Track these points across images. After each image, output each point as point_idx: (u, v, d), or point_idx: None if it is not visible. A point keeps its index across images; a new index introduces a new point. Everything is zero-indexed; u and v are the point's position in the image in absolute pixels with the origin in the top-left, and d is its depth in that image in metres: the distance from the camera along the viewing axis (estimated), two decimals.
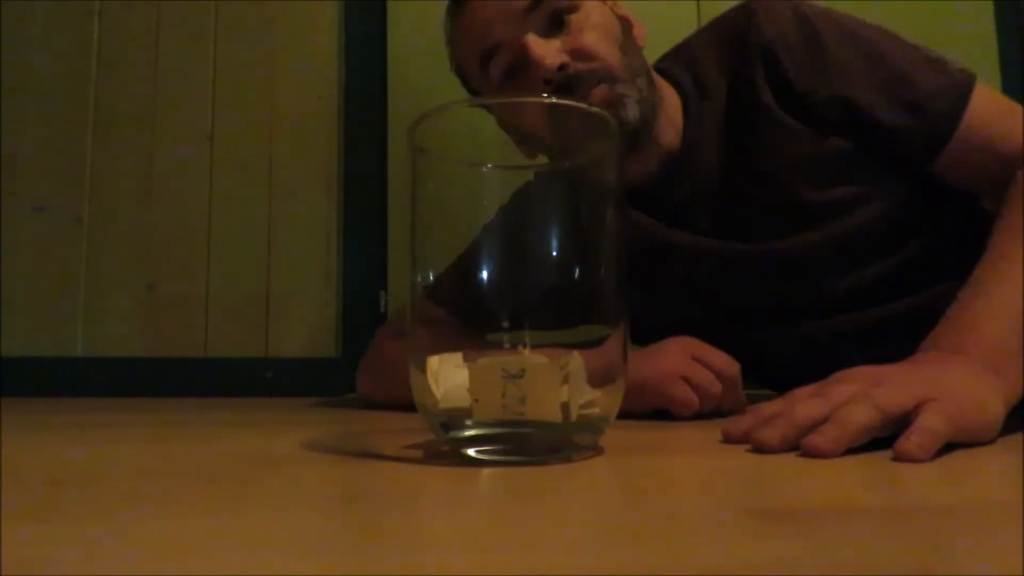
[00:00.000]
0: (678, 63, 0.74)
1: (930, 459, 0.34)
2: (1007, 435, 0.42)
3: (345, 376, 0.93)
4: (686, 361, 0.60)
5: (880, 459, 0.35)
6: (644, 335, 0.60)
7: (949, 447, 0.37)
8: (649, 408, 0.60)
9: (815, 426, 0.38)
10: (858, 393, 0.39)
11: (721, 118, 0.69)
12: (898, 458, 0.35)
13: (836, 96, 0.64)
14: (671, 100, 0.71)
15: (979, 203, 0.69)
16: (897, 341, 0.67)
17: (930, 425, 0.36)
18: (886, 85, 0.63)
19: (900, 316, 0.67)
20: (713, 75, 0.70)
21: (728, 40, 0.70)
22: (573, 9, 0.66)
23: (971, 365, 0.44)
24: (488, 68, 0.68)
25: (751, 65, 0.67)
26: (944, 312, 0.59)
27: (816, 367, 0.72)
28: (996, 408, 0.41)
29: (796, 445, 0.38)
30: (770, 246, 0.67)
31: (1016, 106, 0.63)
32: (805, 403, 0.40)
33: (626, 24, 0.71)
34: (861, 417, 0.37)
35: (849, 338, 0.68)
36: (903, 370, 0.44)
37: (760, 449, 0.38)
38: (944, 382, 0.41)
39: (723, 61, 0.70)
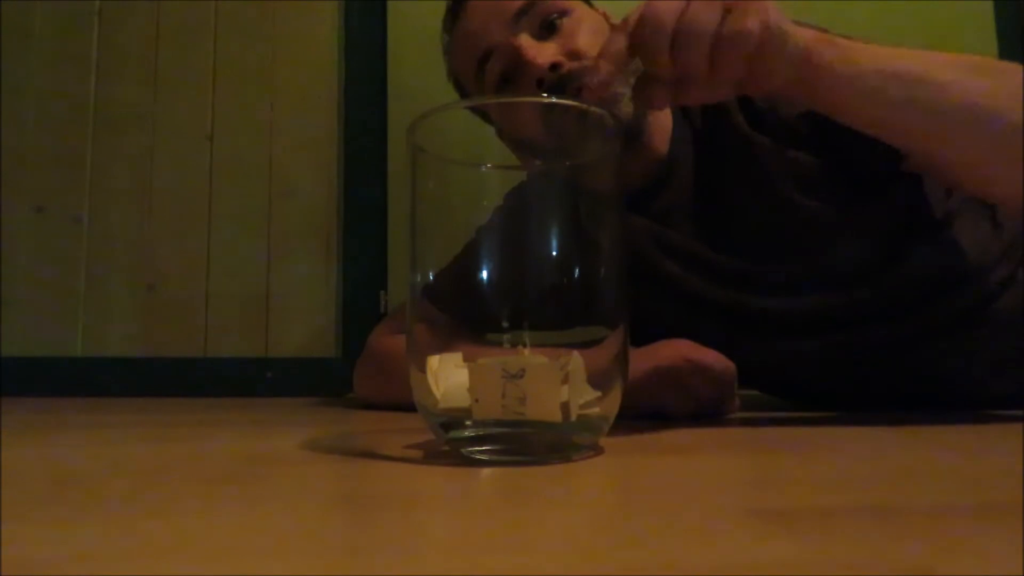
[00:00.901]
0: None
1: None
2: (1006, 433, 0.42)
3: (345, 376, 0.93)
4: (680, 363, 0.60)
5: (880, 458, 0.35)
6: (640, 336, 0.60)
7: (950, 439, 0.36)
8: (643, 411, 0.60)
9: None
10: None
11: (697, 142, 0.71)
12: None
13: (803, 111, 0.65)
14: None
15: (958, 234, 0.68)
16: (885, 364, 0.67)
17: None
18: None
19: (892, 340, 0.66)
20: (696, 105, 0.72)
21: None
22: (565, 13, 0.67)
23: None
24: (483, 75, 0.68)
25: None
26: (930, 343, 0.58)
27: (806, 379, 0.72)
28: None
29: None
30: (745, 265, 0.68)
31: None
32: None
33: None
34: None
35: (838, 356, 0.68)
36: None
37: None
38: None
39: None
